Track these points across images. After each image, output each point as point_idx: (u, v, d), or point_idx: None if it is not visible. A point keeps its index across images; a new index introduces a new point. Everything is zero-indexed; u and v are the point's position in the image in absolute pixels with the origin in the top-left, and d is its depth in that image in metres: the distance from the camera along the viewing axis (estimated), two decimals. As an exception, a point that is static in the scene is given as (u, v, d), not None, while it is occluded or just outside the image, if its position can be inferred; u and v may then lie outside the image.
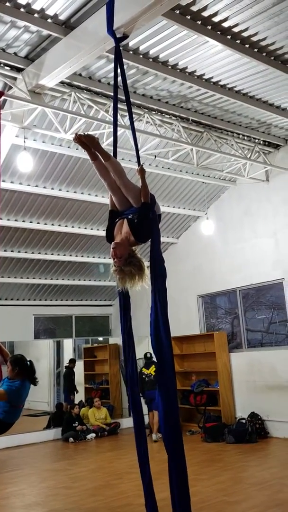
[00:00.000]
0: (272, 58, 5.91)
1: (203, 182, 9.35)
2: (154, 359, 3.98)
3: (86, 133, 3.62)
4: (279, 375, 8.67)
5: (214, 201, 10.18)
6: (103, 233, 11.41)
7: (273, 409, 8.65)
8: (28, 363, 4.69)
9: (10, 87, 5.89)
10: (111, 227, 3.70)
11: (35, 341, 11.82)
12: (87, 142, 3.55)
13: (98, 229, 9.65)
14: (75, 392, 11.32)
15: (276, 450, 7.79)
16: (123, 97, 4.10)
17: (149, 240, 3.65)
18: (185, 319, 10.54)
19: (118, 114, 6.49)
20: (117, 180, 3.56)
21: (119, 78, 4.06)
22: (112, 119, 6.52)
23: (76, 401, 10.96)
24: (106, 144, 6.98)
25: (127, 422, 10.15)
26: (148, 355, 9.72)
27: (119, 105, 6.15)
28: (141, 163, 3.81)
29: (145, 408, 10.09)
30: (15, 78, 5.85)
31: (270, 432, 8.64)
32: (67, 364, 11.66)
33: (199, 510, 4.90)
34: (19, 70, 5.76)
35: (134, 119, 6.76)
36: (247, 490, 5.62)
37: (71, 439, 9.50)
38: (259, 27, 5.29)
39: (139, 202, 3.56)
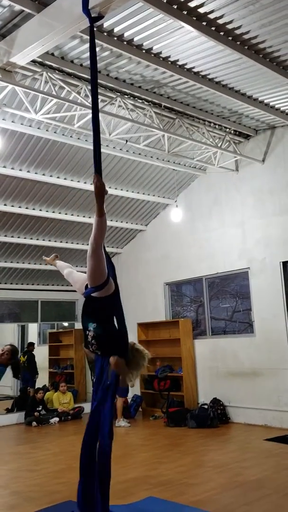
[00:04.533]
0: (246, 47, 5.89)
1: (174, 170, 9.36)
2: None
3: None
4: (241, 362, 8.87)
5: (184, 189, 10.23)
6: (71, 218, 11.08)
7: (234, 395, 8.85)
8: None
9: (-21, 63, 5.70)
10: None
11: (-1, 325, 11.67)
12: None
13: (66, 213, 9.54)
14: (36, 376, 11.28)
15: (236, 435, 8.00)
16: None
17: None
18: (151, 306, 10.56)
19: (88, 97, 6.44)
20: (90, 249, 3.40)
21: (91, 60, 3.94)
22: (83, 101, 6.47)
23: (40, 385, 10.90)
24: (77, 126, 6.88)
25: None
26: None
27: (87, 88, 6.07)
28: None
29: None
30: (-16, 54, 5.66)
31: (231, 417, 8.85)
32: (27, 348, 11.57)
33: (161, 491, 4.99)
34: (-12, 45, 5.57)
35: (106, 102, 6.75)
36: (208, 473, 5.76)
37: (34, 423, 9.47)
38: (234, 15, 5.27)
39: (92, 284, 3.55)
